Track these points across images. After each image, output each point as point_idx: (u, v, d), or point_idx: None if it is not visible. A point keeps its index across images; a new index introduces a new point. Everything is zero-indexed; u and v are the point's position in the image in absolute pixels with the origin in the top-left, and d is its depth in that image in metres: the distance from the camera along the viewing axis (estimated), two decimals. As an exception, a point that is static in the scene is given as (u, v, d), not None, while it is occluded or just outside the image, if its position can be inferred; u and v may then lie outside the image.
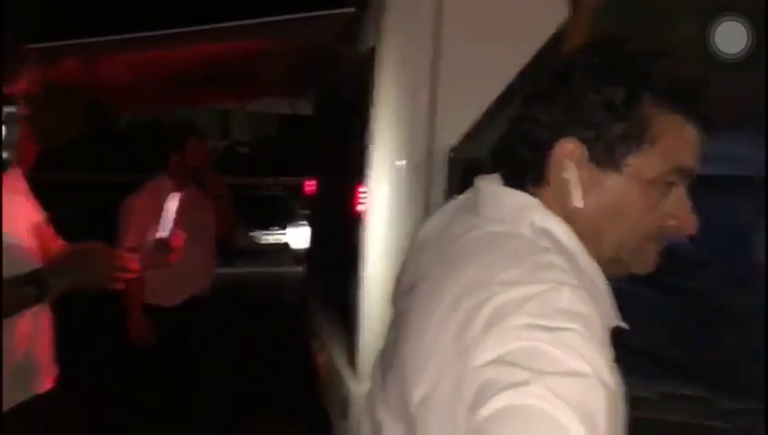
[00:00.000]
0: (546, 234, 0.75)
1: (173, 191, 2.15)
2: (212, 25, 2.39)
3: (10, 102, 1.88)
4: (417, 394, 0.70)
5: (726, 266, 2.52)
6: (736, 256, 1.80)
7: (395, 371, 0.77)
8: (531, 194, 0.79)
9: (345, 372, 2.11)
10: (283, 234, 9.58)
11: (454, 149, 1.72)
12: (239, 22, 2.38)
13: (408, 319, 0.79)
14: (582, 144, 0.77)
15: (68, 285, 1.66)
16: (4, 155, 1.87)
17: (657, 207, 0.78)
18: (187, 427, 3.05)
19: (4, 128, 1.85)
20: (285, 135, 9.90)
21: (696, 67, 0.78)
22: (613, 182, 0.77)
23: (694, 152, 0.78)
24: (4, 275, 1.61)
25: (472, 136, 1.65)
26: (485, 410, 0.59)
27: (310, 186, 3.91)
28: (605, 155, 0.76)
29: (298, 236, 8.82)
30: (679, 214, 0.79)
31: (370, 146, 1.88)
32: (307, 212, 5.90)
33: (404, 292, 0.86)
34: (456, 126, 1.73)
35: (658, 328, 2.68)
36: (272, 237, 9.71)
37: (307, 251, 4.42)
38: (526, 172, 0.80)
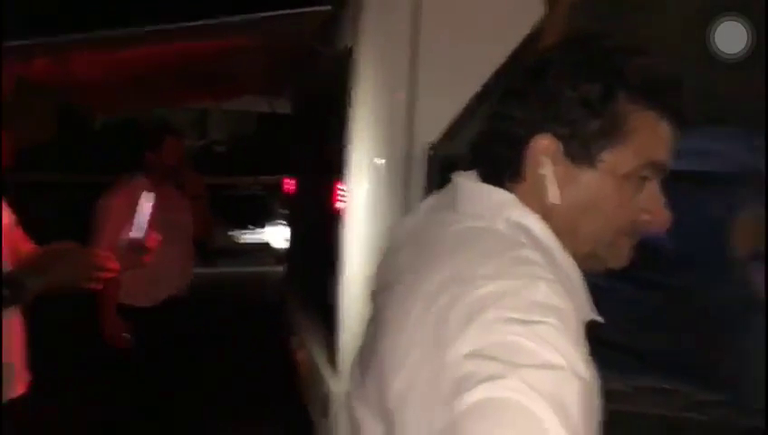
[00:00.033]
0: (523, 229, 0.76)
1: (149, 191, 2.12)
2: (188, 23, 2.36)
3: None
4: (394, 388, 0.70)
5: (702, 262, 2.57)
6: (711, 251, 1.83)
7: (373, 367, 0.77)
8: (508, 190, 0.80)
9: (325, 370, 2.10)
10: (263, 233, 9.53)
11: (433, 147, 1.72)
12: (216, 20, 2.36)
13: (385, 315, 0.79)
14: (558, 140, 0.78)
15: (44, 285, 1.63)
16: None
17: (632, 202, 0.79)
18: (165, 428, 3.02)
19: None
20: (264, 134, 9.84)
21: (670, 64, 0.79)
22: (588, 178, 0.78)
23: (667, 148, 0.79)
24: None
25: (450, 133, 1.65)
26: (462, 403, 0.60)
27: (288, 184, 3.89)
28: (580, 151, 0.77)
29: (278, 236, 8.78)
30: (653, 208, 0.80)
31: (349, 144, 1.88)
32: (286, 211, 5.87)
33: (382, 288, 0.87)
34: (435, 124, 1.73)
35: (635, 322, 2.72)
36: (251, 237, 9.65)
37: (287, 250, 4.41)
38: (503, 168, 0.81)
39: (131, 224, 2.03)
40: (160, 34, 2.54)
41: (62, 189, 7.95)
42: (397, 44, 1.79)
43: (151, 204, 2.03)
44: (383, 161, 1.81)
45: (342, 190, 1.95)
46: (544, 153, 0.78)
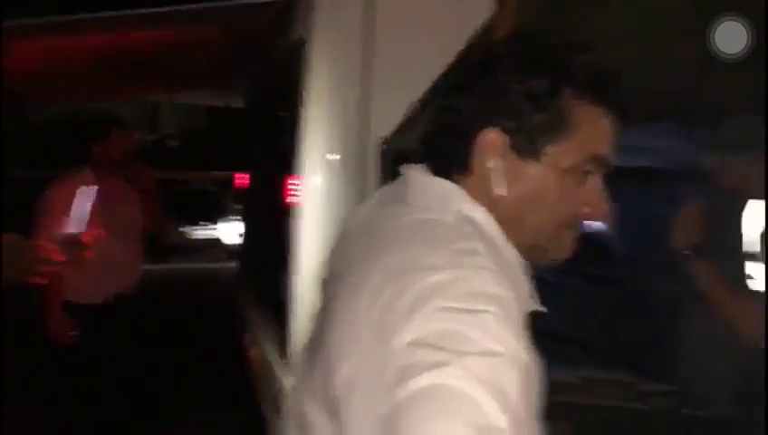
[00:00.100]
0: (469, 221, 0.77)
1: (94, 184, 2.06)
2: (137, 11, 2.30)
3: None
4: (340, 378, 0.71)
5: (646, 256, 2.64)
6: (656, 246, 1.88)
7: (320, 358, 0.78)
8: (456, 182, 0.81)
9: (277, 366, 2.09)
10: (215, 229, 9.40)
11: (386, 141, 1.72)
12: (167, 8, 2.30)
13: (334, 306, 0.79)
14: (505, 134, 0.79)
15: None
16: None
17: (574, 196, 0.81)
18: (115, 428, 2.95)
19: None
20: (216, 128, 9.69)
21: (614, 60, 0.81)
22: (533, 171, 0.79)
23: (609, 143, 0.81)
24: None
25: (404, 127, 1.65)
26: (405, 391, 0.61)
27: (240, 179, 3.84)
28: (526, 145, 0.79)
29: (230, 231, 8.67)
30: (594, 202, 0.82)
31: (303, 139, 1.86)
32: (239, 207, 5.80)
33: (331, 279, 0.87)
34: (390, 118, 1.73)
35: (585, 316, 2.79)
36: (203, 233, 9.50)
37: (240, 246, 4.35)
38: (451, 161, 0.82)
39: (69, 218, 1.96)
40: (108, 22, 2.46)
41: (6, 184, 7.66)
42: (350, 37, 1.78)
43: (90, 198, 1.96)
44: (337, 156, 1.80)
45: (295, 185, 1.93)
46: (491, 147, 0.79)
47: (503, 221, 0.79)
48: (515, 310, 0.67)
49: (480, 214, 0.78)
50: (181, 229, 9.21)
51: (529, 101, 0.78)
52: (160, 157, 9.22)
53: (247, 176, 3.74)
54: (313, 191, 1.83)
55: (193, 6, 2.28)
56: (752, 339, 1.70)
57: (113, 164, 2.94)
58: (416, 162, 0.87)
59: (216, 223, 9.45)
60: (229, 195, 8.61)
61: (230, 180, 4.55)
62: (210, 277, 7.53)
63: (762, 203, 1.72)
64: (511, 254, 0.78)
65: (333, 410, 0.72)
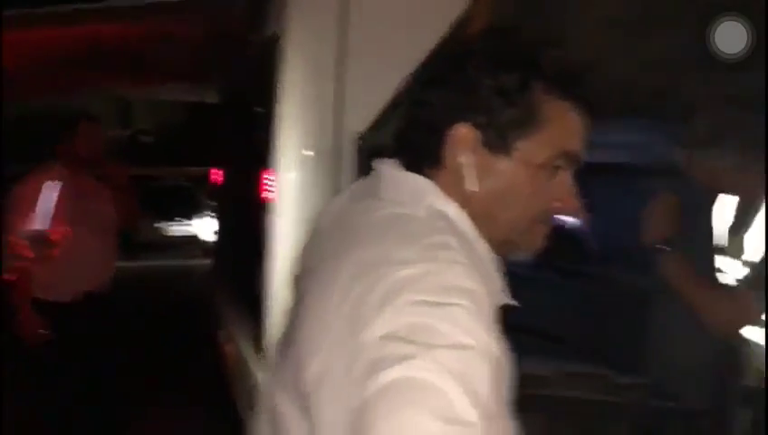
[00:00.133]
0: (441, 216, 0.77)
1: (63, 181, 2.02)
2: (110, 4, 2.26)
3: None
4: (311, 372, 0.72)
5: (621, 251, 2.68)
6: (630, 240, 1.90)
7: (292, 352, 0.78)
8: (428, 177, 0.82)
9: (252, 363, 2.07)
10: (190, 225, 9.31)
11: (361, 137, 1.71)
12: (139, 1, 2.26)
13: (306, 302, 0.80)
14: (476, 129, 0.79)
15: None
16: None
17: (545, 191, 0.81)
18: (89, 426, 2.90)
19: None
20: (191, 124, 9.58)
21: (583, 55, 0.81)
22: (504, 166, 0.80)
23: (580, 138, 0.82)
24: None
25: (379, 123, 1.65)
26: (375, 384, 0.61)
27: (215, 174, 3.81)
28: (497, 140, 0.79)
29: (206, 228, 8.59)
30: (564, 197, 0.83)
31: (277, 134, 1.85)
32: (214, 203, 5.75)
33: (304, 275, 0.87)
34: (365, 113, 1.72)
35: (560, 310, 2.82)
36: (179, 229, 9.41)
37: (215, 242, 4.32)
38: (423, 156, 0.83)
39: (35, 215, 1.92)
40: (79, 14, 2.41)
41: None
42: (325, 32, 1.77)
43: (56, 194, 1.93)
44: (312, 152, 1.79)
45: (270, 181, 1.92)
46: (463, 141, 0.79)
47: (474, 216, 0.79)
48: (486, 304, 0.68)
49: (452, 208, 0.79)
50: (156, 226, 9.11)
51: (500, 97, 0.78)
52: (135, 153, 9.10)
53: (221, 172, 3.71)
54: (288, 187, 1.82)
55: (166, 0, 2.25)
56: (722, 331, 1.73)
57: (83, 160, 2.90)
58: (389, 157, 0.87)
59: (191, 219, 9.36)
60: (204, 191, 8.52)
61: (205, 176, 4.49)
62: (186, 274, 7.47)
63: (732, 198, 1.75)
64: (482, 248, 0.79)
65: (305, 405, 0.73)
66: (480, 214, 0.80)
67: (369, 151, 1.67)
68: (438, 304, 0.64)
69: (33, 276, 2.67)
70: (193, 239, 9.13)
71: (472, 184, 0.79)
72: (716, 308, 1.62)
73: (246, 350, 2.23)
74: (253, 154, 2.38)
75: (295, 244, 1.77)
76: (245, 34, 2.33)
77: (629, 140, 2.44)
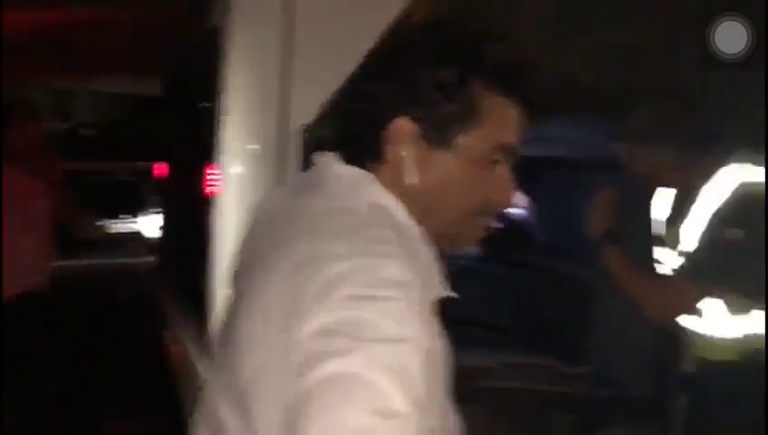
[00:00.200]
0: (380, 209, 0.77)
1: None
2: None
3: None
4: (247, 370, 0.72)
5: (566, 243, 2.73)
6: (574, 233, 1.94)
7: (229, 349, 0.77)
8: (369, 171, 0.82)
9: (199, 363, 2.03)
10: (135, 222, 9.06)
11: (307, 129, 1.69)
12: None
13: (243, 299, 0.79)
14: (415, 123, 0.79)
15: None
16: None
17: (483, 185, 0.82)
18: (29, 430, 2.80)
19: None
20: (134, 117, 9.32)
21: (523, 50, 0.82)
22: (444, 160, 0.80)
23: (516, 132, 0.83)
24: None
25: (324, 115, 1.63)
26: (310, 379, 0.62)
27: (159, 169, 3.71)
28: (436, 134, 0.80)
29: (151, 225, 8.37)
30: (502, 190, 0.84)
31: (222, 127, 1.81)
32: (159, 198, 5.61)
33: (242, 271, 0.86)
34: (311, 105, 1.70)
35: (507, 302, 2.86)
36: (123, 226, 9.13)
37: (159, 239, 4.21)
38: (364, 149, 0.82)
39: None
40: (13, 0, 2.30)
41: None
42: (270, 23, 1.74)
43: None
44: (257, 145, 1.76)
45: (215, 175, 1.88)
46: (402, 135, 0.79)
47: (414, 209, 0.80)
48: (423, 296, 0.69)
49: (391, 202, 0.79)
50: (99, 223, 8.83)
51: (439, 91, 0.79)
52: (76, 147, 8.79)
53: (165, 166, 3.61)
54: (233, 181, 1.79)
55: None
56: (660, 319, 1.79)
57: (16, 154, 2.77)
58: (329, 149, 0.87)
59: (136, 216, 9.11)
60: (150, 186, 8.30)
61: (149, 171, 4.38)
62: (131, 272, 7.27)
63: (670, 191, 1.80)
64: (421, 241, 0.79)
65: (242, 405, 0.72)
66: (420, 207, 0.80)
67: (315, 145, 1.65)
68: (372, 298, 0.64)
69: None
70: (138, 236, 8.87)
71: (411, 177, 0.79)
72: (654, 297, 1.67)
73: (193, 351, 2.18)
74: (196, 148, 2.33)
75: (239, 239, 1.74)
76: (187, 25, 2.27)
77: (576, 135, 2.49)
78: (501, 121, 0.81)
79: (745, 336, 1.60)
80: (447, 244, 0.84)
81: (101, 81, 4.95)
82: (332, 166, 0.83)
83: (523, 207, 3.25)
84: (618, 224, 1.75)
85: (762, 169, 1.57)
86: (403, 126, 0.79)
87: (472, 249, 3.03)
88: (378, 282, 0.65)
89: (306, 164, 1.67)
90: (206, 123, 2.08)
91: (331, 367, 0.61)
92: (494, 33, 0.82)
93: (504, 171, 0.83)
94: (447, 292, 0.79)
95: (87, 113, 11.18)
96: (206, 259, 1.86)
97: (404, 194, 0.80)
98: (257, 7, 1.78)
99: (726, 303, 1.59)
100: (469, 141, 0.80)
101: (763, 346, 1.57)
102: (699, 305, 1.61)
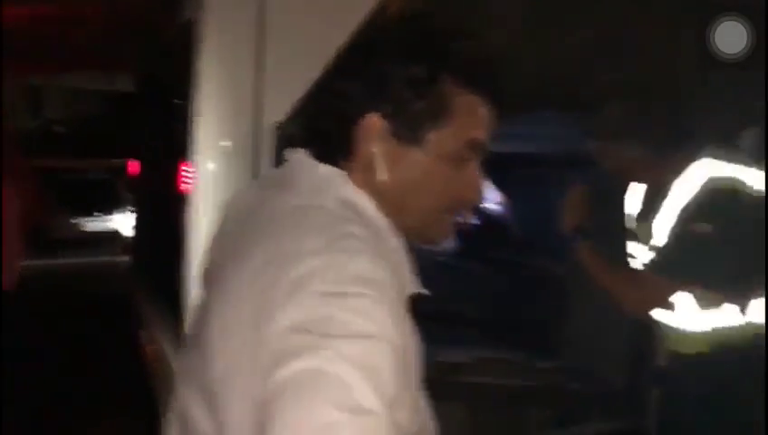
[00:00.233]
0: (350, 206, 0.77)
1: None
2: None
3: None
4: (217, 369, 0.71)
5: (540, 239, 2.75)
6: (548, 229, 1.96)
7: (200, 350, 0.76)
8: (340, 168, 0.81)
9: (174, 362, 2.00)
10: (110, 220, 8.92)
11: (280, 126, 1.68)
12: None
13: (214, 297, 0.78)
14: (386, 119, 0.79)
15: None
16: None
17: (453, 181, 0.82)
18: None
19: None
20: (107, 113, 9.17)
21: (494, 47, 0.82)
22: (414, 157, 0.80)
23: (486, 129, 0.83)
24: None
25: (298, 112, 1.62)
26: (279, 376, 0.62)
27: (133, 166, 3.66)
28: (407, 131, 0.80)
29: (126, 223, 8.25)
30: (472, 187, 0.85)
31: (195, 124, 1.79)
32: (133, 196, 5.54)
33: (212, 269, 0.85)
34: (284, 102, 1.69)
35: (480, 298, 2.87)
36: (98, 225, 8.99)
37: (133, 237, 4.16)
38: (334, 146, 0.82)
39: None
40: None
41: None
42: (243, 19, 1.73)
43: None
44: (230, 143, 1.75)
45: (188, 172, 1.86)
46: (372, 132, 0.79)
47: (384, 205, 0.80)
48: (393, 293, 0.69)
49: (361, 198, 0.79)
50: (74, 221, 8.69)
51: (409, 88, 0.79)
52: (48, 144, 8.64)
53: (137, 163, 3.57)
54: (206, 178, 1.77)
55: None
56: (632, 313, 1.81)
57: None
58: (300, 146, 0.86)
59: (111, 214, 8.97)
60: (125, 184, 8.18)
61: (124, 168, 4.31)
62: (106, 271, 7.18)
63: (642, 186, 1.82)
64: (392, 238, 0.79)
65: (213, 405, 0.72)
66: (390, 204, 0.80)
67: (288, 141, 1.64)
68: (342, 295, 0.64)
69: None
70: (113, 235, 8.76)
71: (382, 174, 0.79)
72: (627, 292, 1.69)
73: (169, 350, 2.16)
74: (170, 145, 2.30)
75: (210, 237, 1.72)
76: (160, 20, 2.24)
77: (549, 132, 2.51)
78: (471, 118, 0.81)
79: (714, 330, 1.63)
80: (418, 239, 0.84)
81: (73, 77, 4.85)
82: (304, 163, 0.83)
83: (499, 204, 3.27)
84: (591, 219, 1.76)
85: (730, 165, 1.60)
86: (374, 123, 0.79)
87: (448, 245, 3.05)
88: (348, 279, 0.65)
89: (280, 161, 1.67)
90: (179, 120, 2.06)
91: (302, 364, 0.61)
92: (465, 30, 0.82)
93: (473, 168, 0.84)
94: (419, 288, 0.79)
95: (59, 110, 10.98)
96: (180, 257, 1.85)
97: (375, 190, 0.80)
98: (230, 3, 1.77)
99: (696, 297, 1.62)
100: (439, 138, 0.80)
101: (734, 340, 1.60)
102: (672, 299, 1.64)
